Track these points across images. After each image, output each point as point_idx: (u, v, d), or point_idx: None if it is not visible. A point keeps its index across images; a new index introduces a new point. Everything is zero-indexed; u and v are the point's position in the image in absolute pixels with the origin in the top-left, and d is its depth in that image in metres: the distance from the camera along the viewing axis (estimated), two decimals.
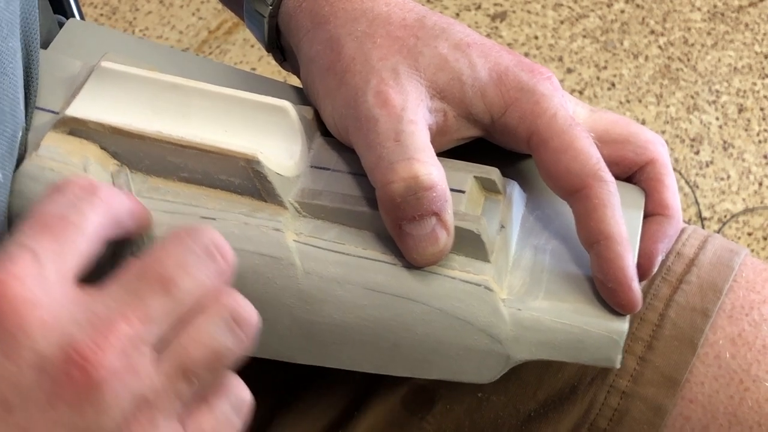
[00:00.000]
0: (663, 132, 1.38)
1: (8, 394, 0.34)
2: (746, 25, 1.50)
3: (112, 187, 0.40)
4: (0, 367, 0.34)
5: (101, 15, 1.51)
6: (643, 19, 1.50)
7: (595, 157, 0.44)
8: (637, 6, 1.52)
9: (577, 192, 0.44)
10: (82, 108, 0.45)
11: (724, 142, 1.37)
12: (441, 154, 0.45)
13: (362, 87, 0.45)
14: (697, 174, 1.34)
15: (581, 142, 0.45)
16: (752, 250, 1.28)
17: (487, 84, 0.46)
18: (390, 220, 0.44)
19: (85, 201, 0.38)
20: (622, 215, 0.44)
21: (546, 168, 0.45)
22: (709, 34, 1.49)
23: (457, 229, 0.44)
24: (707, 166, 1.35)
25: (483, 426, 0.53)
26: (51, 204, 0.38)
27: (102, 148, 0.45)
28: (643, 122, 1.39)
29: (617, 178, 0.46)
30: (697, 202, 1.31)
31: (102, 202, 0.38)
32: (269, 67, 1.43)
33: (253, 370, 0.41)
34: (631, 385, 0.51)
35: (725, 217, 1.31)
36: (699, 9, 1.51)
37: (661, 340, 0.51)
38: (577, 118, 0.48)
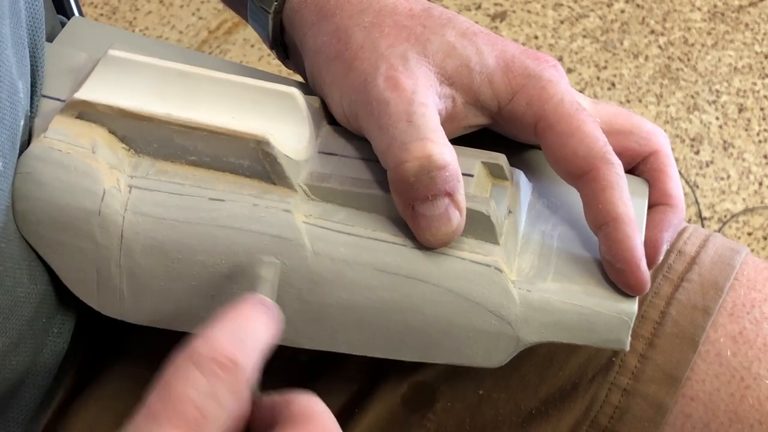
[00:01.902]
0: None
1: None
2: (746, 25, 1.50)
3: (251, 348, 0.37)
4: None
5: (101, 15, 1.51)
6: (643, 19, 1.50)
7: (601, 140, 0.45)
8: (637, 6, 1.52)
9: (584, 175, 0.45)
10: (90, 92, 0.45)
11: (724, 142, 1.37)
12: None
13: (372, 72, 0.45)
14: (697, 174, 1.34)
15: (588, 126, 0.45)
16: (752, 250, 1.28)
17: (495, 71, 0.46)
18: (402, 201, 0.44)
19: (225, 383, 0.35)
20: (629, 197, 0.44)
21: (553, 152, 0.45)
22: (709, 34, 1.49)
23: (467, 210, 0.44)
24: (707, 166, 1.35)
25: (484, 423, 0.53)
26: (187, 385, 0.35)
27: (110, 131, 0.45)
28: None
29: None
30: (697, 202, 1.31)
31: (244, 378, 0.36)
32: (269, 67, 1.43)
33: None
34: (632, 382, 0.51)
35: (725, 216, 1.31)
36: (699, 9, 1.52)
37: (662, 337, 0.51)
38: None
